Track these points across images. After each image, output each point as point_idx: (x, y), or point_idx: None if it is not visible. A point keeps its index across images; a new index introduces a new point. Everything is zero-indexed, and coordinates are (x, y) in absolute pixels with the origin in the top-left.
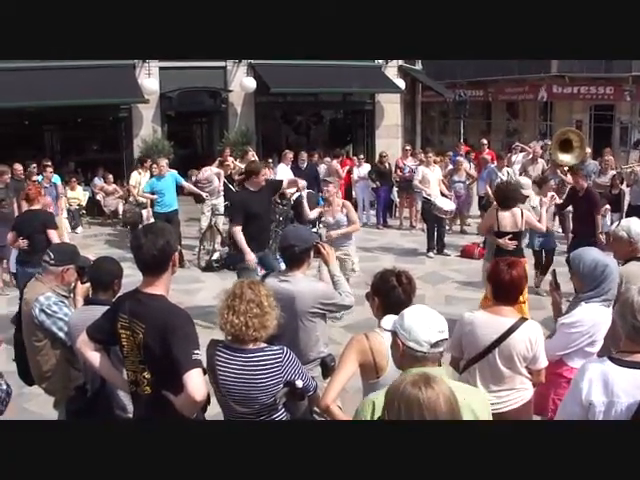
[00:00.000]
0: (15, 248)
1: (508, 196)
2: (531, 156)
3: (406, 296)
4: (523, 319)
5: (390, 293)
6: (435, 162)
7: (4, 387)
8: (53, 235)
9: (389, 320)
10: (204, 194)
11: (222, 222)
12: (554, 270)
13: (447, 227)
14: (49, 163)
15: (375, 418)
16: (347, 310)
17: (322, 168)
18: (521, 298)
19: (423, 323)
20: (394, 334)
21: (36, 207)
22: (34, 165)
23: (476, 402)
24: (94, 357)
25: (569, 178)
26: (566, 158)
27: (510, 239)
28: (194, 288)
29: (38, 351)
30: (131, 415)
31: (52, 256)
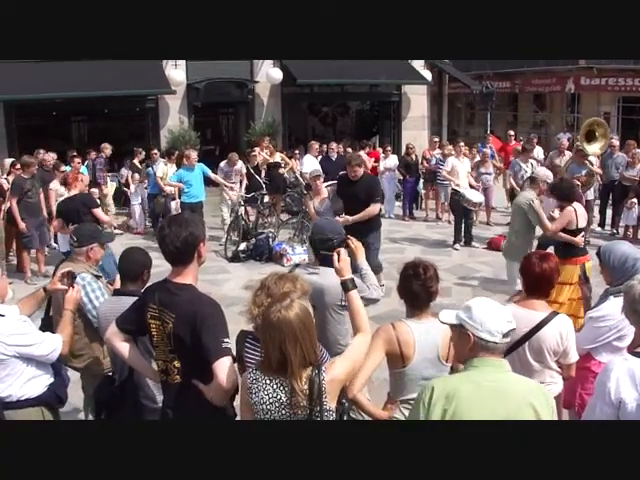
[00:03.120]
0: (65, 234)
1: (573, 191)
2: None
3: (423, 289)
4: (555, 313)
5: (406, 284)
6: (465, 155)
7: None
8: (98, 212)
9: (448, 314)
10: (230, 185)
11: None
12: (583, 264)
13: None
14: (75, 154)
15: (432, 402)
16: (375, 303)
17: None
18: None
19: (493, 314)
20: (459, 327)
21: (73, 192)
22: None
23: (535, 397)
24: (123, 348)
25: (596, 169)
26: (592, 149)
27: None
28: (221, 278)
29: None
30: (159, 405)
31: (75, 238)
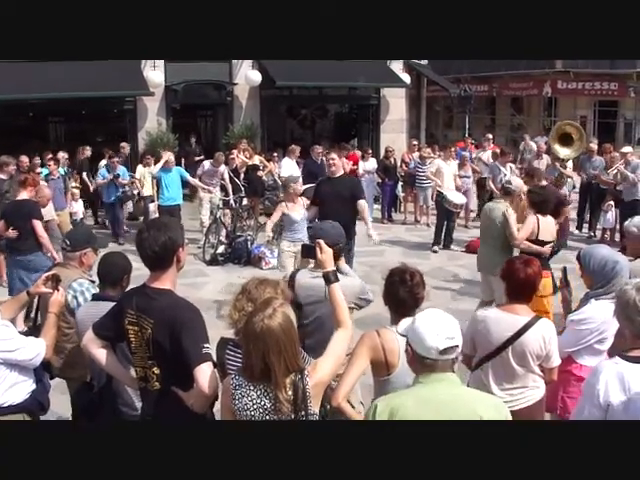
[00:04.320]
0: (5, 237)
1: (549, 199)
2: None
3: (409, 295)
4: (537, 317)
5: (392, 290)
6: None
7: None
8: (38, 225)
9: (404, 324)
10: (208, 188)
11: (223, 215)
12: (564, 267)
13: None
14: (51, 155)
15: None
16: (368, 305)
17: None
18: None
19: (431, 329)
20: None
21: (23, 195)
22: (46, 157)
23: (483, 408)
24: (101, 354)
25: (568, 171)
26: (566, 152)
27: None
28: (199, 282)
29: (68, 338)
30: (138, 412)
31: (68, 242)
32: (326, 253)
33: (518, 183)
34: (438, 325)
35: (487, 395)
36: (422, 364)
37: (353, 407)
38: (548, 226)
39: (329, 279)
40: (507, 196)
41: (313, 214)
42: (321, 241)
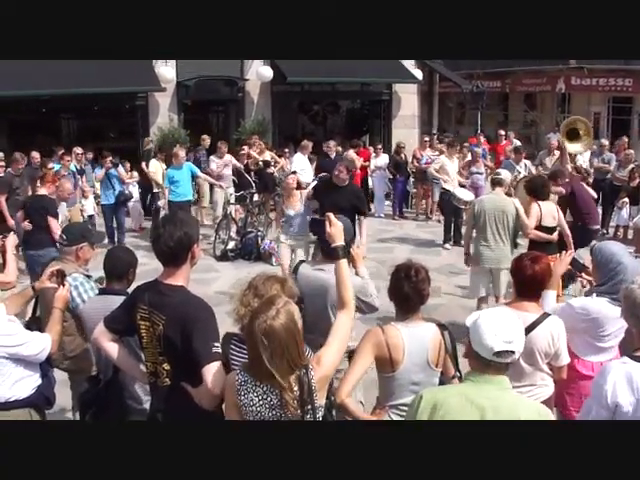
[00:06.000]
0: (24, 228)
1: (545, 184)
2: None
3: (414, 291)
4: (546, 315)
5: (397, 286)
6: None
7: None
8: (53, 222)
9: (473, 317)
10: (220, 184)
11: (235, 211)
12: (573, 258)
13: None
14: (63, 151)
15: (419, 411)
16: (374, 312)
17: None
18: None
19: (491, 329)
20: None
21: (42, 192)
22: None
23: (526, 415)
24: (112, 348)
25: (578, 166)
26: (575, 147)
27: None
28: (209, 277)
29: (64, 331)
30: (144, 406)
31: (64, 237)
32: (335, 226)
33: (507, 174)
34: (499, 326)
35: (531, 401)
36: (476, 361)
37: None
38: (549, 211)
39: (337, 254)
40: (498, 186)
41: (315, 206)
42: (331, 214)
